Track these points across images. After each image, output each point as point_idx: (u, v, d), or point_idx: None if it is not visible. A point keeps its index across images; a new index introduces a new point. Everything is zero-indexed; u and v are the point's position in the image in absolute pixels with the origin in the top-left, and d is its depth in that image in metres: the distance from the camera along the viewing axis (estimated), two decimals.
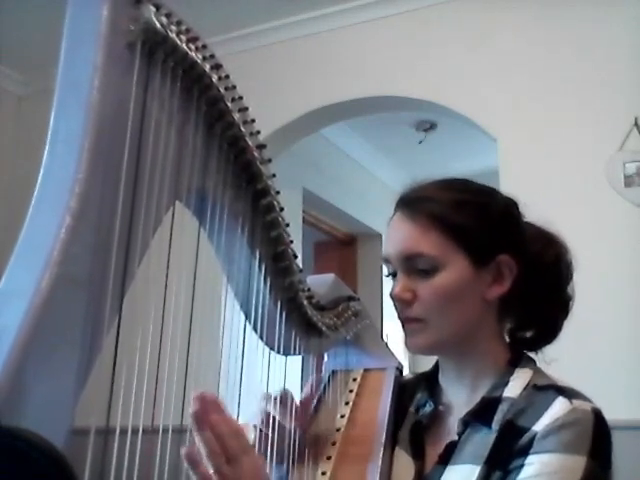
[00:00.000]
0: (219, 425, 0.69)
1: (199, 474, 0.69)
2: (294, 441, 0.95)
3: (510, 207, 0.93)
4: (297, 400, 0.98)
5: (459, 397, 0.92)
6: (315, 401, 1.06)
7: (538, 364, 0.93)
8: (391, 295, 0.91)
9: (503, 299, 0.90)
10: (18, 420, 0.47)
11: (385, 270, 0.94)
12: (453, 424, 0.89)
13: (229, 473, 0.69)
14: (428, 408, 0.94)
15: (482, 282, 0.88)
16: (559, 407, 0.81)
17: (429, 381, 0.98)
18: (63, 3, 0.59)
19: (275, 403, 0.94)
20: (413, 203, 0.90)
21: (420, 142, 4.07)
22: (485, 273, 0.88)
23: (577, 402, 0.81)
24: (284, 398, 0.94)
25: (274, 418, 0.93)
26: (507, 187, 2.49)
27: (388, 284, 0.95)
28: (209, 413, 0.68)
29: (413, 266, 0.88)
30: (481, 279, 0.88)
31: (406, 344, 0.91)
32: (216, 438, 0.69)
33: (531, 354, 0.94)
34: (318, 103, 2.95)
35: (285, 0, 2.86)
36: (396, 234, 0.91)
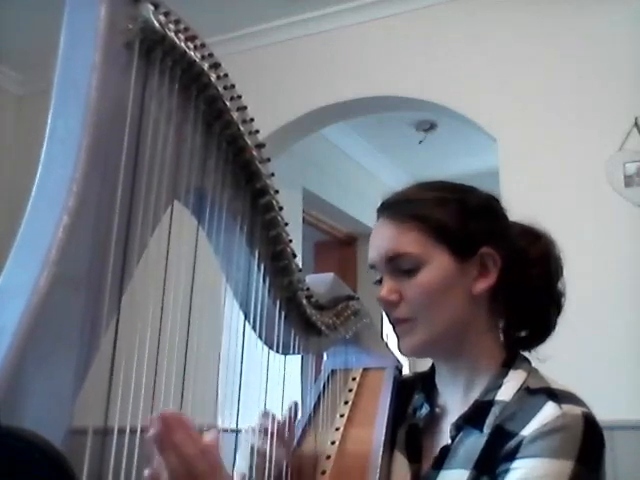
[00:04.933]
0: (184, 446, 0.65)
1: None
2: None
3: (490, 200, 0.94)
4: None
5: (454, 399, 0.91)
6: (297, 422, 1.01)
7: (533, 362, 0.92)
8: (378, 299, 0.90)
9: (492, 295, 0.90)
10: (17, 420, 0.46)
11: (374, 277, 0.94)
12: (448, 427, 0.88)
13: None
14: (424, 410, 0.94)
15: (467, 276, 0.88)
16: (548, 412, 0.80)
17: (426, 382, 0.97)
18: (63, 3, 0.59)
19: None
20: (394, 206, 0.92)
21: (420, 142, 4.07)
22: (469, 267, 0.88)
23: (567, 407, 0.80)
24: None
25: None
26: (507, 187, 2.50)
27: None
28: (173, 433, 0.64)
29: (396, 267, 0.88)
30: (466, 273, 0.88)
31: (399, 347, 0.91)
32: (181, 460, 0.64)
33: (526, 353, 0.93)
34: (318, 103, 2.94)
35: (285, 0, 2.86)
36: (378, 238, 0.92)
